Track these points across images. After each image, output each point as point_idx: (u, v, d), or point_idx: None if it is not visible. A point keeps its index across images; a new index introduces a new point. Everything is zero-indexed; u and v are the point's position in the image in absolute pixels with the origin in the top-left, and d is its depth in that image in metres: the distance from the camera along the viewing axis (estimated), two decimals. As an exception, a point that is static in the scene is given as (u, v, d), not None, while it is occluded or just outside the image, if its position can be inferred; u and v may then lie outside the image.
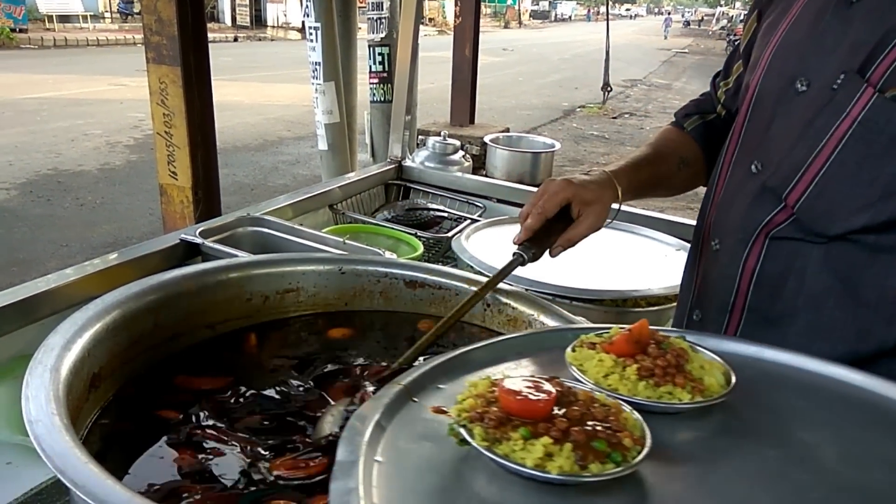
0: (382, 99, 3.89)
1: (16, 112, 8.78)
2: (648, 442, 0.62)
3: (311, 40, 3.33)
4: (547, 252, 1.10)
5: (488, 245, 1.56)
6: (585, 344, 0.77)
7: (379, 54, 3.82)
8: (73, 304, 1.12)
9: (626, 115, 11.60)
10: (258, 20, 26.76)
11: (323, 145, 3.51)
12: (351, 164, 3.62)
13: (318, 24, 3.28)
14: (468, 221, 1.88)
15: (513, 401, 0.63)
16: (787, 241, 0.89)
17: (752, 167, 0.95)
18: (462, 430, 0.62)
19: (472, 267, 1.41)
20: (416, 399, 0.71)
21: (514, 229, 1.78)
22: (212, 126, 2.54)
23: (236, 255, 1.33)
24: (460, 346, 0.82)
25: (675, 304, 1.40)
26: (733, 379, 0.73)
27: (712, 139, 1.18)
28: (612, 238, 1.72)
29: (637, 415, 0.66)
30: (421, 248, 1.70)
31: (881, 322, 0.83)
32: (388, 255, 1.36)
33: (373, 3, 3.81)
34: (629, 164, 1.15)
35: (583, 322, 0.97)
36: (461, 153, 2.94)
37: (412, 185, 2.30)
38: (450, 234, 1.77)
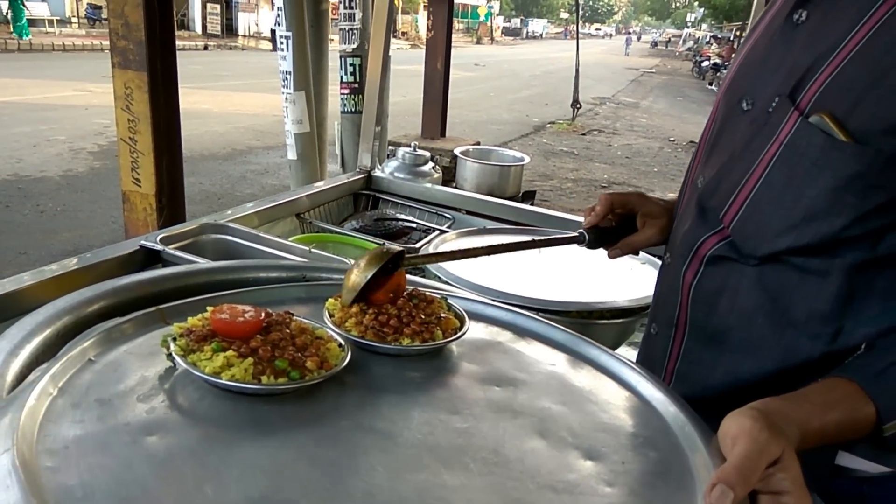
0: (353, 109, 3.88)
1: (-24, 116, 8.56)
2: (338, 369, 0.73)
3: (282, 49, 3.31)
4: (606, 251, 1.18)
5: (456, 256, 1.55)
6: None
7: (350, 65, 3.82)
8: (28, 309, 1.08)
9: (595, 132, 11.73)
10: (229, 29, 26.56)
11: (292, 155, 3.48)
12: (320, 174, 3.60)
13: (290, 34, 3.27)
14: (437, 233, 1.88)
15: (218, 321, 0.72)
16: (724, 260, 0.90)
17: (699, 181, 0.96)
18: (170, 341, 0.72)
19: (439, 278, 1.40)
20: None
21: (484, 240, 1.80)
22: (177, 132, 2.50)
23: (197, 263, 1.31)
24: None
25: (638, 316, 1.41)
26: (460, 333, 0.87)
27: None
28: (580, 251, 1.72)
29: (346, 350, 0.77)
30: (388, 259, 1.68)
31: (807, 338, 0.84)
32: (355, 264, 1.34)
33: (345, 13, 3.81)
34: None
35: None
36: (431, 164, 2.93)
37: (381, 196, 2.29)
38: (418, 245, 1.76)
